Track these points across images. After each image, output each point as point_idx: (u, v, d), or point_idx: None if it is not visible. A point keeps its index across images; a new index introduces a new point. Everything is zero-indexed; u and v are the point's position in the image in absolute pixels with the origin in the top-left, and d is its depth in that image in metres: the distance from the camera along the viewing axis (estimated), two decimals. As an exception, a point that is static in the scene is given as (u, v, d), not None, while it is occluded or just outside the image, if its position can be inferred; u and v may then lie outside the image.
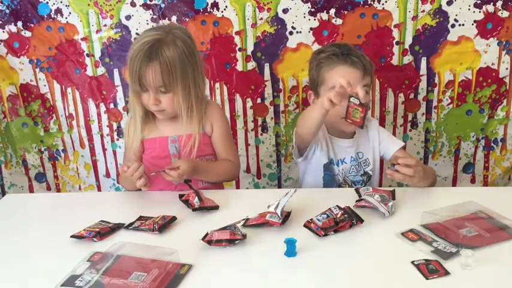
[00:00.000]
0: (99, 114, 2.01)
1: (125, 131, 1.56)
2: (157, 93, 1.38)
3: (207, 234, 1.07)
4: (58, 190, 2.15)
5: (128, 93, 1.92)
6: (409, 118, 1.95)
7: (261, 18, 1.82)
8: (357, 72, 1.43)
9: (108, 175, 2.11)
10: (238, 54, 1.88)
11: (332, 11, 1.80)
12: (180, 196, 1.30)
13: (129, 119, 1.53)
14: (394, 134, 1.93)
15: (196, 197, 1.25)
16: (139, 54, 1.34)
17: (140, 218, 1.23)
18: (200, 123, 1.47)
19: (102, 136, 2.04)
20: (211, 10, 1.81)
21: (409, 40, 1.83)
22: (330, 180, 1.53)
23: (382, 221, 1.17)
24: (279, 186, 2.09)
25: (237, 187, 2.08)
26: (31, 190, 2.16)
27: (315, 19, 1.81)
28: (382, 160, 1.62)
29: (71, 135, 2.05)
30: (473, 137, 1.97)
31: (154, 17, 1.83)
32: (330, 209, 1.16)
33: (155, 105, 1.40)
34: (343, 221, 1.12)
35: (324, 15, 1.80)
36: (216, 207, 1.26)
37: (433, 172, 1.48)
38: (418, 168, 1.30)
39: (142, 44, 1.34)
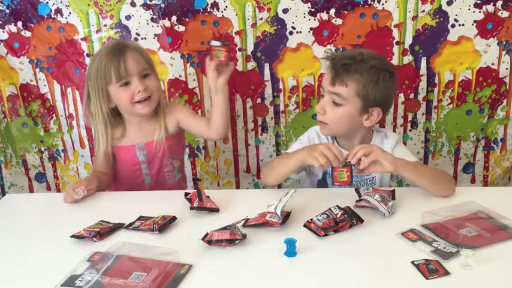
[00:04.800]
0: (99, 114, 2.00)
1: (96, 139, 1.60)
2: (141, 79, 1.46)
3: (207, 234, 1.07)
4: (58, 190, 2.15)
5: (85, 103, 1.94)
6: (409, 118, 1.95)
7: (261, 18, 1.82)
8: (327, 77, 1.39)
9: (108, 175, 2.10)
10: (238, 54, 1.87)
11: (332, 11, 1.80)
12: (186, 194, 1.31)
13: (98, 128, 1.55)
14: (394, 134, 1.92)
15: (197, 197, 1.25)
16: (110, 52, 1.44)
17: (140, 218, 1.23)
18: (163, 126, 1.54)
19: (102, 136, 2.04)
20: (211, 10, 1.81)
21: (409, 40, 1.82)
22: None
23: (382, 221, 1.17)
24: (279, 186, 2.09)
25: (237, 187, 2.08)
26: (31, 190, 2.15)
27: (315, 19, 1.81)
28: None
29: (71, 135, 2.05)
30: (473, 137, 1.97)
31: (154, 17, 1.83)
32: (330, 209, 1.16)
33: (145, 91, 1.45)
34: (343, 221, 1.12)
35: (324, 15, 1.80)
36: (216, 210, 1.25)
37: (443, 175, 1.39)
38: (372, 152, 1.24)
39: (105, 48, 1.48)
